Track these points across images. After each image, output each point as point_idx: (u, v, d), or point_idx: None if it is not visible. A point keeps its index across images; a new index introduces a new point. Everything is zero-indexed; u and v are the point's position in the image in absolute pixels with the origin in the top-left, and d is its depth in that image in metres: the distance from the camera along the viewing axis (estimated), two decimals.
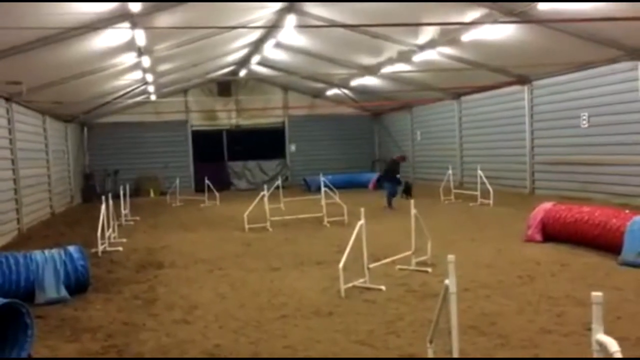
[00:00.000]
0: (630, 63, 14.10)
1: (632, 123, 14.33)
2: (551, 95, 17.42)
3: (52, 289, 7.76)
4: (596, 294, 2.66)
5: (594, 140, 15.67)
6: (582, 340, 5.32)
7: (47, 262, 7.92)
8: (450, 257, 3.93)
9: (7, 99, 14.45)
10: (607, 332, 2.67)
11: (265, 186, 15.27)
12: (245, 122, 28.50)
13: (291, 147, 29.29)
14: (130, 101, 22.92)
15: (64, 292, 7.81)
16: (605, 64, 14.83)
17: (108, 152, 26.29)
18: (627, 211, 9.61)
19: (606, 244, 9.04)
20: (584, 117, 15.94)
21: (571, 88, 16.47)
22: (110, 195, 13.35)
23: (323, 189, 15.22)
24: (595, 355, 2.67)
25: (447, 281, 3.93)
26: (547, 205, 10.88)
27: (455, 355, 3.96)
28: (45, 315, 7.01)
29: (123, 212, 16.41)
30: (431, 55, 16.69)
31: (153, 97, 24.44)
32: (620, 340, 2.60)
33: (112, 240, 12.50)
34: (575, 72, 16.02)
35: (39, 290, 7.71)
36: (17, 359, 5.30)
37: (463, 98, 22.09)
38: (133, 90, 20.64)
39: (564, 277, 8.00)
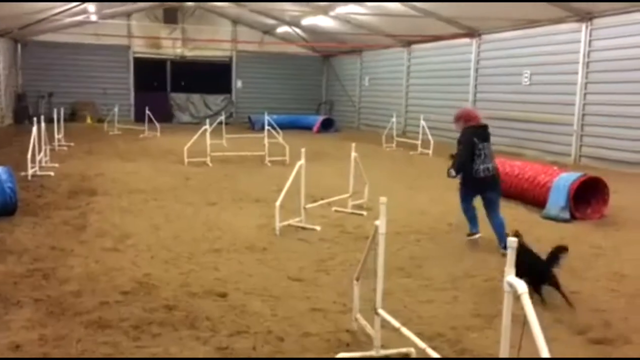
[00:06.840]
0: (575, 24, 14.45)
1: (570, 84, 14.79)
2: (497, 50, 17.66)
3: None
4: (512, 239, 2.81)
5: (533, 98, 16.11)
6: (499, 285, 5.61)
7: None
8: (383, 199, 3.99)
9: None
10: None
11: (208, 121, 14.99)
12: (191, 53, 27.55)
13: (237, 83, 28.71)
14: (69, 20, 21.65)
15: None
16: (551, 24, 15.12)
17: (43, 73, 24.91)
18: (555, 168, 10.06)
19: (534, 198, 9.47)
20: (526, 75, 16.31)
21: (517, 45, 16.73)
22: (43, 118, 12.77)
23: (267, 128, 15.09)
24: (505, 295, 2.84)
25: (377, 222, 4.02)
26: None
27: (379, 294, 4.10)
28: None
29: (57, 136, 15.80)
30: None
31: (93, 18, 23.17)
32: None
33: (43, 165, 12.08)
34: (522, 29, 16.25)
35: None
36: None
37: (413, 46, 22.09)
38: (72, 8, 19.47)
39: (490, 226, 8.33)
